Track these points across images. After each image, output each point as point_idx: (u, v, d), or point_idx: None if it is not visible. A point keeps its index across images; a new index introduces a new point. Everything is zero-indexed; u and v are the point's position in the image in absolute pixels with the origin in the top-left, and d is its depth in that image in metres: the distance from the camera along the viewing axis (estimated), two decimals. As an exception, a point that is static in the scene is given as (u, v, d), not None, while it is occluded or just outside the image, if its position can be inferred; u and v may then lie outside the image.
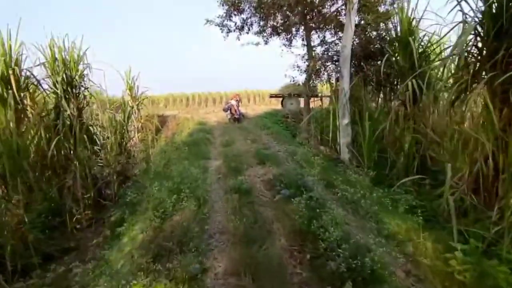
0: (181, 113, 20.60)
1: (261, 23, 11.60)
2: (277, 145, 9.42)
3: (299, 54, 11.80)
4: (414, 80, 6.85)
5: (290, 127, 14.90)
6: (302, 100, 18.17)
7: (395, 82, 8.45)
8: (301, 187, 5.01)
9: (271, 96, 18.70)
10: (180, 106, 38.72)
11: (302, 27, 11.57)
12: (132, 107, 14.11)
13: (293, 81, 11.07)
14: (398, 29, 7.79)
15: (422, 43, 7.64)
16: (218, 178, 6.25)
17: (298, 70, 11.42)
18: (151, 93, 39.07)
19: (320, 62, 9.63)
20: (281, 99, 18.69)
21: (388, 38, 8.69)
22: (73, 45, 9.38)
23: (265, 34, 12.06)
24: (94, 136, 9.84)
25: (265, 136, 11.01)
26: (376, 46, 9.09)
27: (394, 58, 7.96)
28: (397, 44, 7.97)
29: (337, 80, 9.72)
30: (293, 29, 11.80)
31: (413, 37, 7.44)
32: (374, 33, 9.41)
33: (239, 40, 11.66)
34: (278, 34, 12.05)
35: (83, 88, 9.55)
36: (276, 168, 6.49)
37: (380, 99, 9.55)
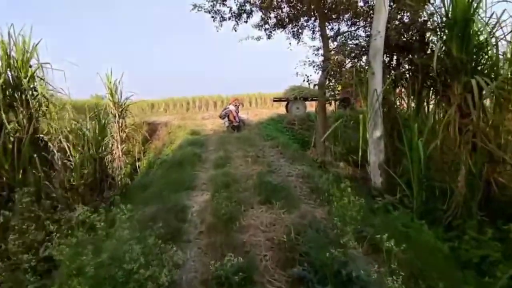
0: (175, 119, 18.22)
1: (263, 12, 9.23)
2: (286, 165, 7.03)
3: (313, 46, 9.38)
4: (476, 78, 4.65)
5: (297, 136, 12.53)
6: (308, 104, 15.82)
7: (444, 80, 6.01)
8: (339, 273, 2.60)
9: (275, 100, 16.35)
10: (181, 110, 36.49)
11: (314, 17, 9.20)
12: (114, 115, 11.82)
13: (307, 80, 8.57)
14: (450, 8, 5.39)
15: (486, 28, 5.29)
16: (196, 238, 3.79)
17: (313, 66, 8.84)
18: (151, 97, 36.75)
19: (341, 56, 7.14)
20: (285, 103, 16.31)
21: (433, 21, 6.24)
22: (23, 39, 7.16)
23: (267, 27, 9.68)
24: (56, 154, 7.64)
25: (269, 150, 8.61)
26: (415, 33, 6.61)
27: (444, 48, 5.59)
28: (448, 29, 5.55)
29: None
30: (303, 19, 9.42)
31: (473, 17, 5.12)
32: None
33: (235, 31, 9.27)
34: (284, 26, 9.66)
35: (36, 93, 7.31)
36: (290, 214, 4.07)
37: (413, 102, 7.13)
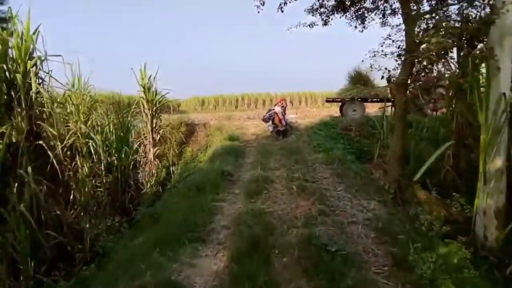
0: (220, 118, 16.44)
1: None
2: (346, 197, 4.80)
3: (397, 25, 6.84)
4: None
5: (354, 145, 10.07)
6: (366, 106, 13.20)
7: None
8: None
9: (328, 101, 13.79)
10: (230, 107, 35.08)
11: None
12: (148, 115, 10.19)
13: (388, 73, 6.08)
14: None
15: None
16: None
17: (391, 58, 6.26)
18: (203, 94, 35.79)
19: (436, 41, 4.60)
20: (339, 104, 13.81)
21: None
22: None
23: (323, 10, 7.38)
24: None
25: (322, 169, 6.41)
26: None
27: None
28: None
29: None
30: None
31: None
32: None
33: (282, 11, 7.03)
34: (345, 9, 7.31)
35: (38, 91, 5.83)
36: None
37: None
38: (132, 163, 9.25)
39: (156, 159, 10.13)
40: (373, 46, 6.40)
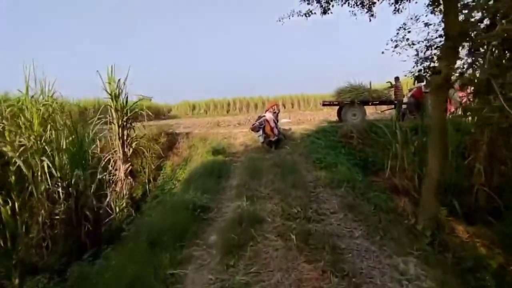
0: (203, 125, 14.74)
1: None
2: (372, 255, 3.13)
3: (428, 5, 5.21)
4: None
5: (357, 154, 8.51)
6: (365, 110, 11.59)
7: None
8: None
9: (325, 104, 12.05)
10: (221, 111, 33.44)
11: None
12: (117, 125, 8.48)
13: (421, 63, 4.47)
14: None
15: None
16: None
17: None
18: (192, 99, 34.00)
19: None
20: (336, 108, 12.20)
21: None
22: None
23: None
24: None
25: (328, 198, 4.77)
26: None
27: None
28: None
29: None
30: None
31: None
32: None
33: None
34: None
35: None
36: None
37: None
38: (95, 184, 7.57)
39: (129, 177, 8.42)
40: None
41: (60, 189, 6.36)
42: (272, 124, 8.35)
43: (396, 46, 4.66)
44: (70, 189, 6.24)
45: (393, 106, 11.52)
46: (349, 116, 10.93)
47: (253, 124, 8.01)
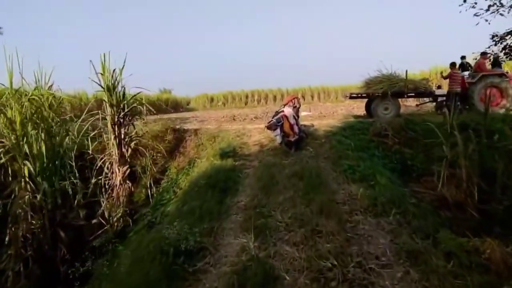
0: (215, 120, 13.33)
1: None
2: None
3: None
4: None
5: (394, 157, 6.91)
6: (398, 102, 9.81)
7: None
8: None
9: (352, 97, 10.21)
10: (239, 104, 32.01)
11: None
12: (112, 123, 7.17)
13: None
14: None
15: None
16: None
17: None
18: (210, 91, 32.77)
19: None
20: (365, 100, 10.47)
21: None
22: None
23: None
24: None
25: (371, 232, 3.23)
26: None
27: None
28: None
29: None
30: None
31: None
32: None
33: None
34: None
35: None
36: None
37: None
38: (80, 194, 6.34)
39: (127, 181, 7.13)
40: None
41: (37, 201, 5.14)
42: (292, 121, 6.82)
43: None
44: (49, 203, 5.03)
45: (432, 99, 9.72)
46: (380, 111, 9.22)
47: (269, 122, 6.48)
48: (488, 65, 9.65)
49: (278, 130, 6.38)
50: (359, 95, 9.77)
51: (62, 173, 5.83)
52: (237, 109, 26.13)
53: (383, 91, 8.95)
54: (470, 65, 9.91)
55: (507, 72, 9.05)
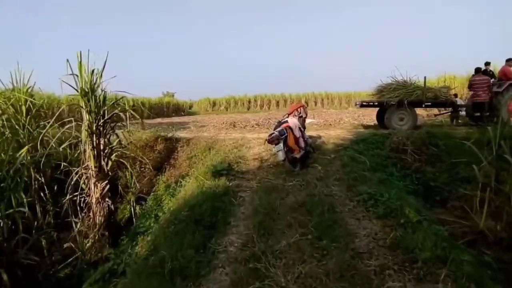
0: (215, 126, 12.24)
1: None
2: None
3: None
4: None
5: (415, 177, 5.82)
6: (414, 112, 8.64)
7: None
8: None
9: (363, 105, 9.05)
10: (242, 108, 31.00)
11: None
12: (92, 131, 6.08)
13: None
14: None
15: None
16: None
17: None
18: (212, 96, 31.73)
19: None
20: (376, 109, 9.34)
21: None
22: None
23: None
24: None
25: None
26: None
27: None
28: None
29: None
30: None
31: None
32: None
33: None
34: None
35: None
36: None
37: None
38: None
39: (106, 199, 6.02)
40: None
41: None
42: (297, 133, 5.72)
43: None
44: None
45: (452, 109, 8.57)
46: (395, 121, 8.10)
47: (271, 135, 5.35)
48: None
49: (281, 145, 5.25)
50: (371, 103, 8.64)
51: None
52: (239, 114, 25.08)
53: (399, 99, 7.83)
54: (493, 73, 8.75)
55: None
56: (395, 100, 7.86)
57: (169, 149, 7.84)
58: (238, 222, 3.69)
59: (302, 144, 5.75)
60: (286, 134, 5.45)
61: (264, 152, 6.68)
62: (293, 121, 5.85)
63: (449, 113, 9.45)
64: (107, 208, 5.99)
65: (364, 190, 4.18)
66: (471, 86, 8.18)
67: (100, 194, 5.93)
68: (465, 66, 26.87)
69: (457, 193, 5.30)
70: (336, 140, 7.25)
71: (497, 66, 9.03)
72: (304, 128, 6.47)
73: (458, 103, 8.98)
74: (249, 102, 31.14)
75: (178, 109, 29.93)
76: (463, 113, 8.99)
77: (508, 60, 8.16)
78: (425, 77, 7.93)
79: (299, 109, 6.57)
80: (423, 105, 8.05)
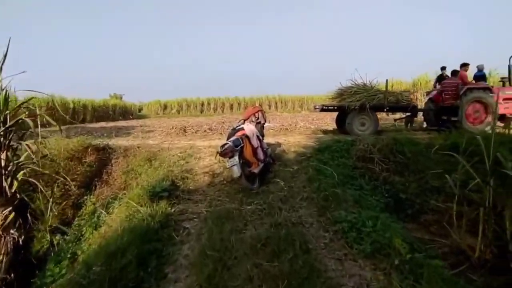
0: (163, 131, 10.86)
1: None
2: None
3: None
4: None
5: (384, 188, 5.11)
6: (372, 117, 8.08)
7: None
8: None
9: (323, 109, 8.26)
10: (194, 112, 29.43)
11: None
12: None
13: None
14: None
15: None
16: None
17: None
18: (164, 98, 29.69)
19: None
20: (335, 113, 8.67)
21: None
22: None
23: None
24: None
25: None
26: None
27: None
28: None
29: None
30: None
31: None
32: None
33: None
34: None
35: None
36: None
37: None
38: None
39: (12, 231, 4.50)
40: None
41: None
42: (255, 143, 4.71)
43: None
44: None
45: (411, 114, 8.12)
46: (356, 126, 7.45)
47: (224, 146, 4.26)
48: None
49: (236, 158, 4.18)
50: (333, 107, 7.93)
51: None
52: (192, 117, 23.57)
53: (361, 103, 7.18)
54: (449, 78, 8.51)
55: (492, 86, 7.75)
56: (357, 104, 7.20)
57: (102, 162, 6.38)
58: (178, 274, 2.56)
59: (261, 156, 4.75)
60: (242, 145, 4.40)
61: (216, 164, 5.57)
62: (250, 128, 4.83)
63: (404, 118, 9.08)
64: (11, 242, 4.48)
65: (341, 217, 3.26)
66: (440, 90, 7.89)
67: (1, 225, 4.41)
68: (411, 72, 27.94)
69: (429, 205, 4.73)
70: (297, 148, 6.37)
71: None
72: (263, 136, 5.48)
73: (426, 108, 8.62)
74: (202, 105, 29.68)
75: (125, 112, 27.52)
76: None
77: (463, 65, 7.95)
78: (387, 80, 7.39)
79: (256, 114, 5.57)
80: (385, 110, 7.51)
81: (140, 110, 32.66)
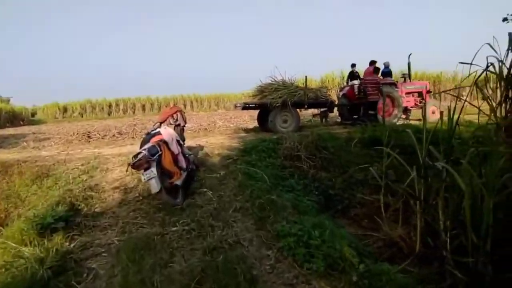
0: (62, 138, 9.19)
1: None
2: None
3: None
4: None
5: (313, 186, 4.97)
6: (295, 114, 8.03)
7: None
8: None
9: (245, 107, 7.63)
10: (101, 114, 26.40)
11: None
12: None
13: None
14: None
15: None
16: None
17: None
18: (63, 100, 25.99)
19: None
20: (257, 110, 8.37)
21: None
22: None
23: None
24: None
25: None
26: None
27: None
28: None
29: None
30: None
31: None
32: None
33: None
34: None
35: None
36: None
37: None
38: None
39: None
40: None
41: None
42: (175, 149, 3.99)
43: None
44: None
45: (327, 109, 8.31)
46: (279, 123, 7.27)
47: (136, 156, 3.44)
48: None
49: (154, 169, 3.41)
50: (255, 105, 7.58)
51: None
52: (98, 120, 20.96)
53: (283, 100, 6.99)
54: (359, 75, 9.00)
55: (396, 82, 8.43)
56: (279, 101, 6.98)
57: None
58: None
59: (183, 163, 4.06)
60: (159, 152, 3.64)
61: (129, 176, 4.64)
62: (168, 132, 4.09)
63: (319, 113, 9.32)
64: None
65: (284, 230, 2.82)
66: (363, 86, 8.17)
67: None
68: (320, 70, 29.63)
69: (356, 199, 4.73)
70: (221, 150, 5.81)
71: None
72: (184, 140, 4.77)
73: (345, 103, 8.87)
74: (110, 106, 26.77)
75: (14, 118, 23.14)
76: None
77: (372, 63, 8.45)
78: (306, 77, 7.39)
79: (174, 115, 4.82)
80: (305, 106, 7.48)
81: (33, 114, 27.95)
